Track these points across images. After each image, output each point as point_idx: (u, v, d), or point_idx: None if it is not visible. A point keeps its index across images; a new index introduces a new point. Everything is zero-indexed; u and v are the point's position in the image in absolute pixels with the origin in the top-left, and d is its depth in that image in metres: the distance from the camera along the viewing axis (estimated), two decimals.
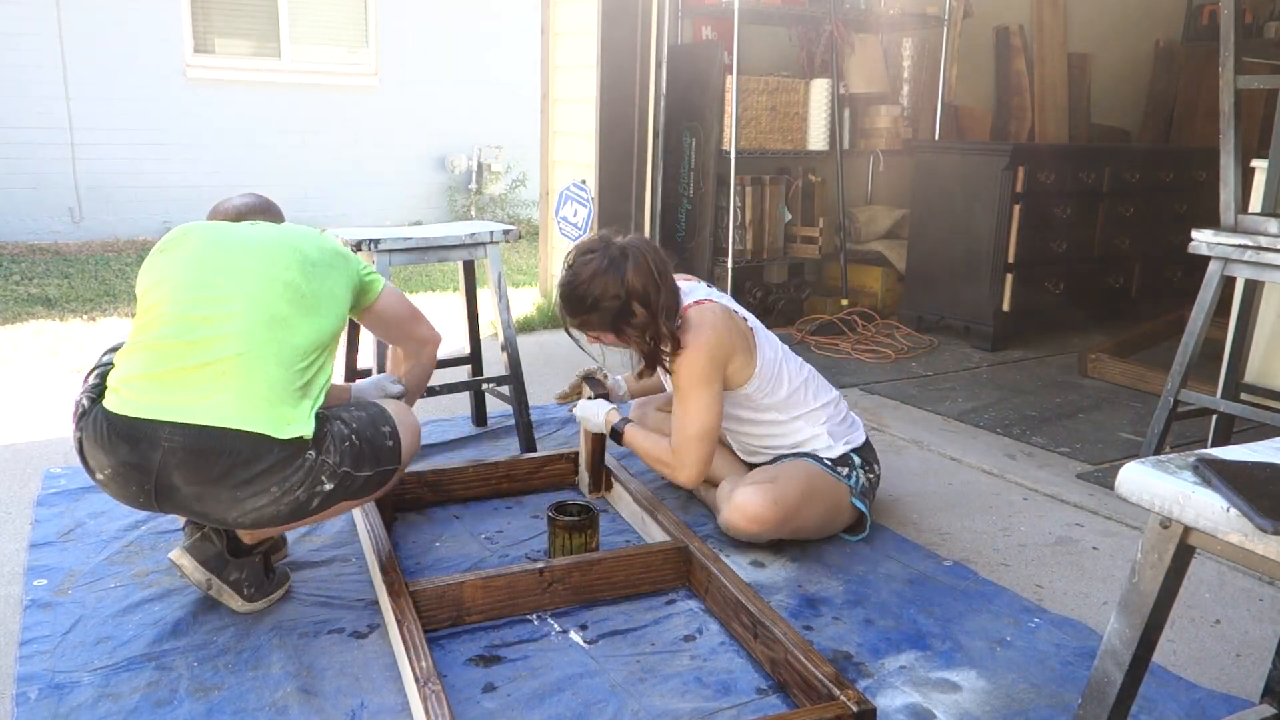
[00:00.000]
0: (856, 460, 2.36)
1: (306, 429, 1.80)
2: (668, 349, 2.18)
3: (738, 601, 1.90)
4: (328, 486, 1.85)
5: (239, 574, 1.97)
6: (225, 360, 1.76)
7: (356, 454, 1.89)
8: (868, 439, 2.43)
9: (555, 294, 2.30)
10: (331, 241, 2.02)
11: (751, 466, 2.47)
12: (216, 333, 1.78)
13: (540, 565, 2.01)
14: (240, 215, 2.17)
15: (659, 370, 2.26)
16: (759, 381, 2.28)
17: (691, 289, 2.31)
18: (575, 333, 2.26)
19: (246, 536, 1.98)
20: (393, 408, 2.05)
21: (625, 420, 2.36)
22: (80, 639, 1.87)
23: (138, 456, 1.73)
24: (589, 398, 2.49)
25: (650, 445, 2.29)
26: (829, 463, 2.32)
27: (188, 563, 1.94)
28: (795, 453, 2.37)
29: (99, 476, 1.80)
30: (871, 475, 2.39)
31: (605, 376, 2.56)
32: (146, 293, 1.86)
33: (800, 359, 2.44)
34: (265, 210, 2.22)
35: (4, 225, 6.98)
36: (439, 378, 3.20)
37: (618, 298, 2.12)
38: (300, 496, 1.82)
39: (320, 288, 1.90)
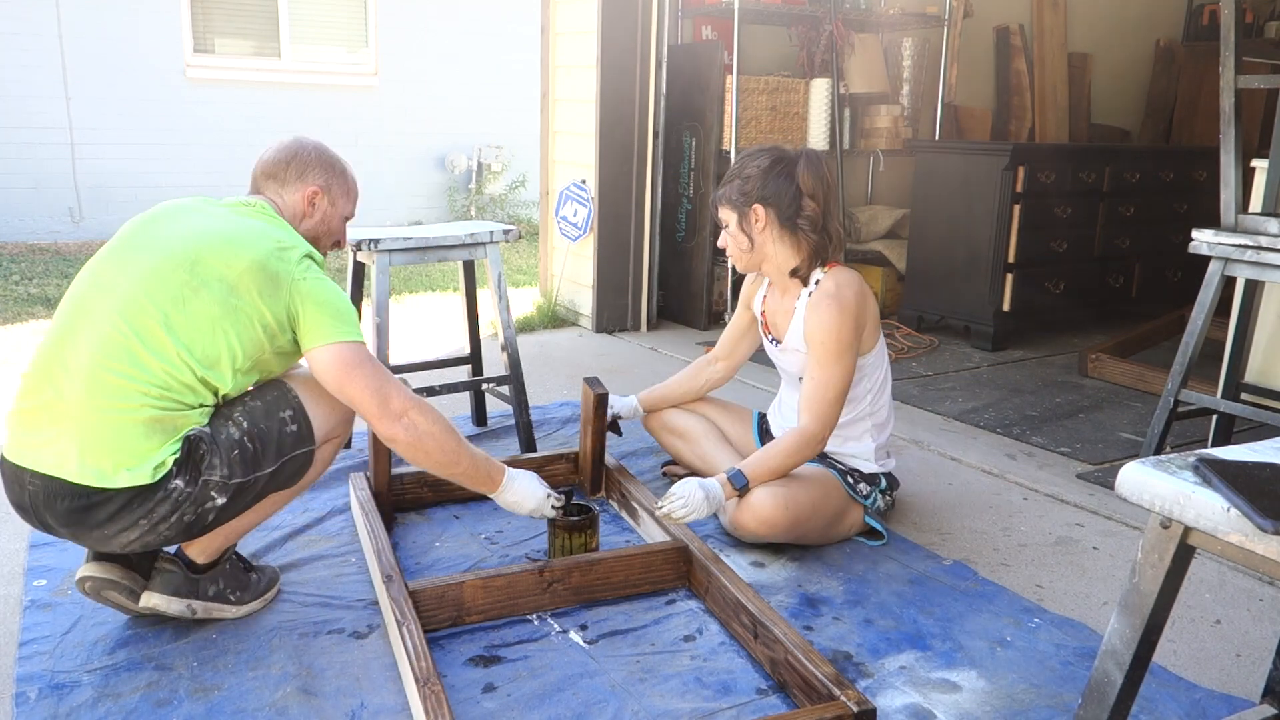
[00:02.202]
0: (883, 483, 2.39)
1: (144, 476, 1.66)
2: (819, 263, 2.28)
3: (738, 601, 1.90)
4: (219, 501, 1.76)
5: (216, 586, 1.92)
6: (65, 402, 1.67)
7: (250, 458, 1.77)
8: (891, 470, 2.46)
9: (722, 186, 2.31)
10: (273, 262, 1.77)
11: None
12: (65, 366, 1.69)
13: (540, 565, 2.00)
14: (263, 171, 2.00)
15: (762, 339, 2.40)
16: (872, 357, 2.33)
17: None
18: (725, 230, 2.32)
19: (197, 554, 1.90)
20: (298, 384, 1.89)
21: (736, 472, 2.19)
22: (80, 639, 1.87)
23: (15, 497, 1.73)
24: (673, 476, 2.63)
25: (778, 456, 2.19)
26: (850, 478, 2.34)
27: (160, 600, 1.86)
28: (819, 457, 2.38)
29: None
30: (889, 499, 2.43)
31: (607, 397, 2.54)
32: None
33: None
34: (291, 159, 1.99)
35: (4, 225, 6.98)
36: (439, 378, 3.21)
37: (787, 183, 2.22)
38: (186, 518, 1.74)
39: (205, 315, 1.71)
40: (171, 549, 1.91)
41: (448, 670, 1.80)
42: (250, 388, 1.87)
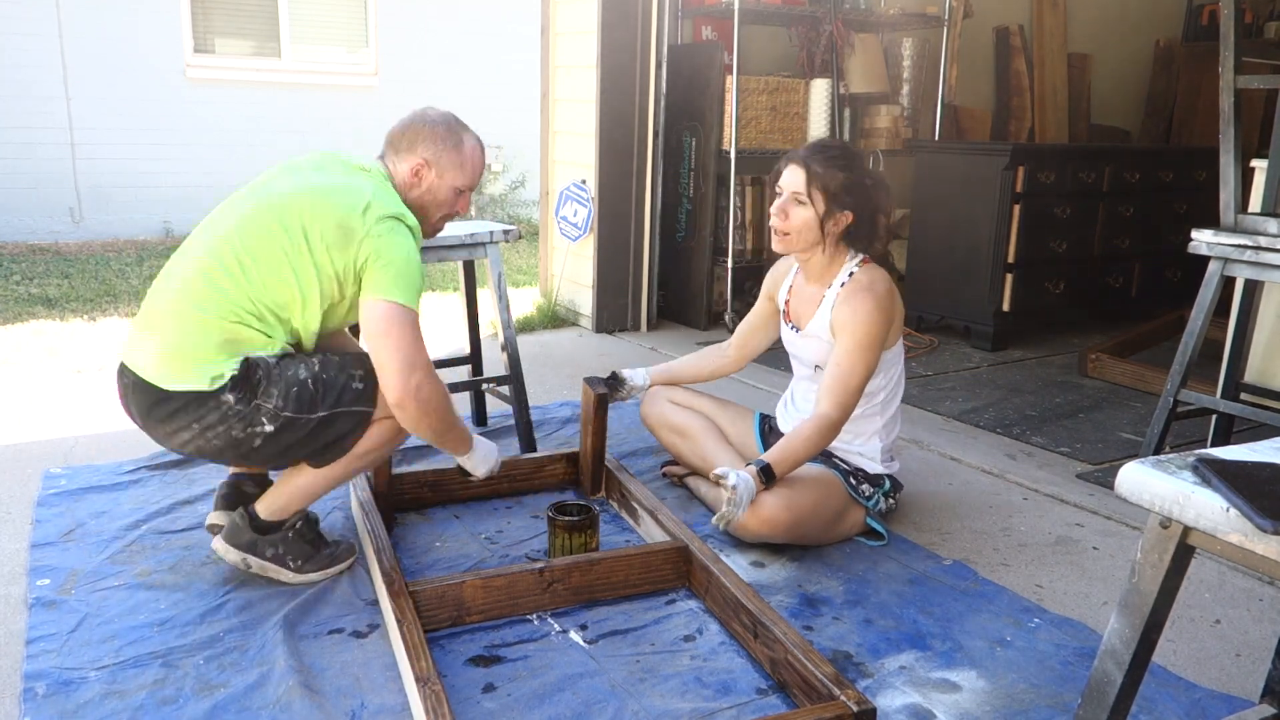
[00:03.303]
0: (886, 485, 2.40)
1: (201, 383, 1.87)
2: (855, 259, 2.33)
3: (738, 601, 1.90)
4: (267, 428, 1.90)
5: (275, 549, 2.05)
6: (158, 311, 1.93)
7: (308, 399, 1.91)
8: (895, 473, 2.46)
9: (810, 148, 2.33)
10: (353, 219, 1.91)
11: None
12: (168, 280, 1.95)
13: (540, 565, 2.01)
14: (387, 137, 2.12)
15: (785, 328, 2.44)
16: (890, 354, 2.34)
17: None
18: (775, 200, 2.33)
19: (262, 510, 2.05)
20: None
21: (764, 465, 2.15)
22: (86, 637, 1.88)
23: (119, 389, 1.98)
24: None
25: (801, 444, 2.18)
26: (853, 479, 2.34)
27: (221, 548, 2.06)
28: (823, 457, 2.38)
29: None
30: (892, 501, 2.43)
31: (620, 376, 2.59)
32: None
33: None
34: (406, 129, 2.10)
35: (4, 225, 6.98)
36: (440, 377, 3.19)
37: (870, 198, 2.29)
38: (234, 433, 1.90)
39: (277, 259, 1.91)
40: (247, 507, 2.08)
41: (448, 670, 1.81)
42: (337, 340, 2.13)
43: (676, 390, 2.70)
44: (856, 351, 2.21)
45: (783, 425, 2.56)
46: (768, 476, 2.15)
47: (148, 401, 1.91)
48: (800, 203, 2.28)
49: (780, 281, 2.55)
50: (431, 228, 2.17)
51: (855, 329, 2.21)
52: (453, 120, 2.13)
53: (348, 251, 1.91)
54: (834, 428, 2.21)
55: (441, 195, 2.11)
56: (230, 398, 1.88)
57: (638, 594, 2.08)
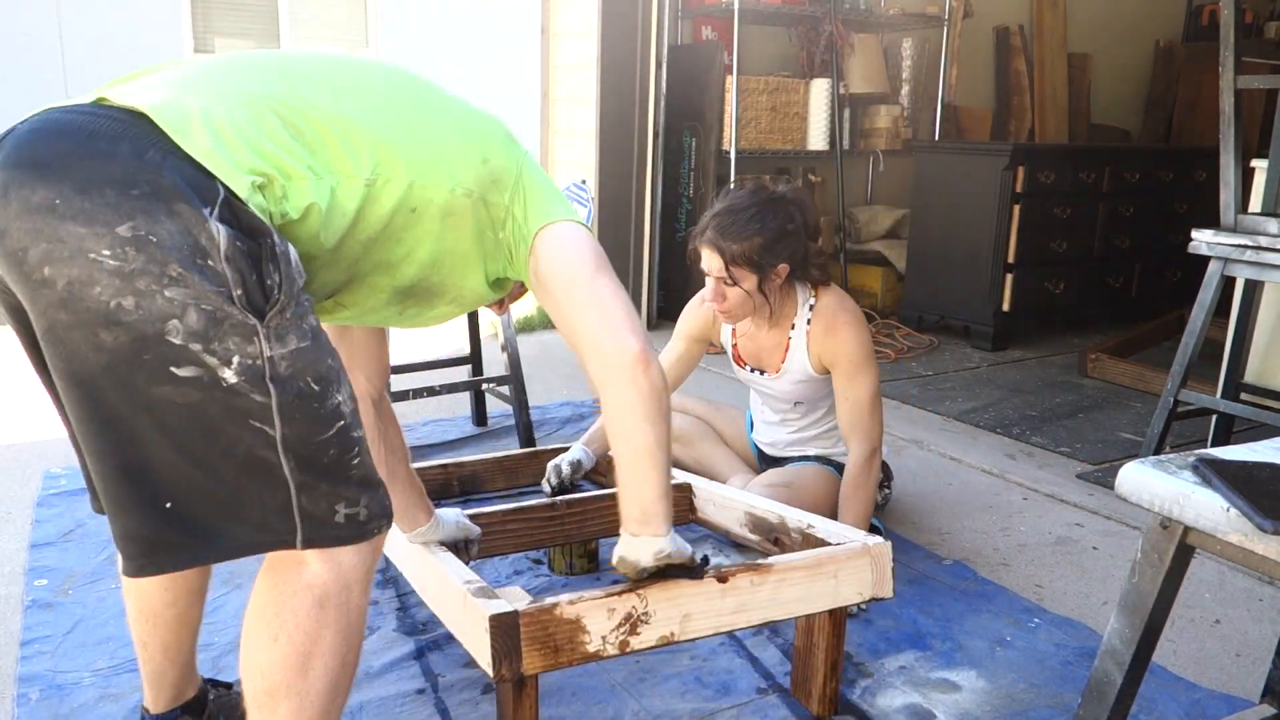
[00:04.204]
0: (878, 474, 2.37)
1: (234, 169, 1.05)
2: (811, 298, 2.21)
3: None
4: (238, 379, 1.01)
5: None
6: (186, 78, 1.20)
7: (324, 390, 1.09)
8: (884, 459, 2.44)
9: (705, 224, 2.12)
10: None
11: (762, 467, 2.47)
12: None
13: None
14: None
15: (783, 358, 2.26)
16: None
17: None
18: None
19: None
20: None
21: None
22: (82, 639, 1.87)
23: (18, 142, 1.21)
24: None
25: (860, 498, 2.11)
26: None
27: None
28: (815, 455, 2.38)
29: None
30: (887, 490, 2.43)
31: (574, 465, 2.32)
32: None
33: None
34: None
35: None
36: (440, 377, 3.20)
37: (798, 233, 2.10)
38: (169, 321, 0.98)
39: None
40: None
41: (447, 670, 1.81)
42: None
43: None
44: (857, 375, 2.16)
45: (763, 444, 2.50)
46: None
47: (77, 150, 1.00)
48: (729, 284, 2.11)
49: (709, 324, 2.38)
50: None
51: (851, 355, 2.16)
52: None
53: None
54: (874, 457, 2.16)
55: None
56: (221, 234, 1.00)
57: None
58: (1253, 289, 2.73)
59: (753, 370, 2.36)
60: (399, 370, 2.84)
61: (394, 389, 2.69)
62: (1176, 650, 1.94)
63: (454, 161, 1.25)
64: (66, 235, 0.96)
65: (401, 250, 1.23)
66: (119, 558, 1.08)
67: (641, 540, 1.38)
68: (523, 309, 4.91)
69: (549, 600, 1.40)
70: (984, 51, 5.58)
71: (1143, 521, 1.20)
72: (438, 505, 1.83)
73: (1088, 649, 1.91)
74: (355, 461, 1.12)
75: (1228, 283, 2.62)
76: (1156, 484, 1.13)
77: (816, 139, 4.65)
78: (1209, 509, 1.07)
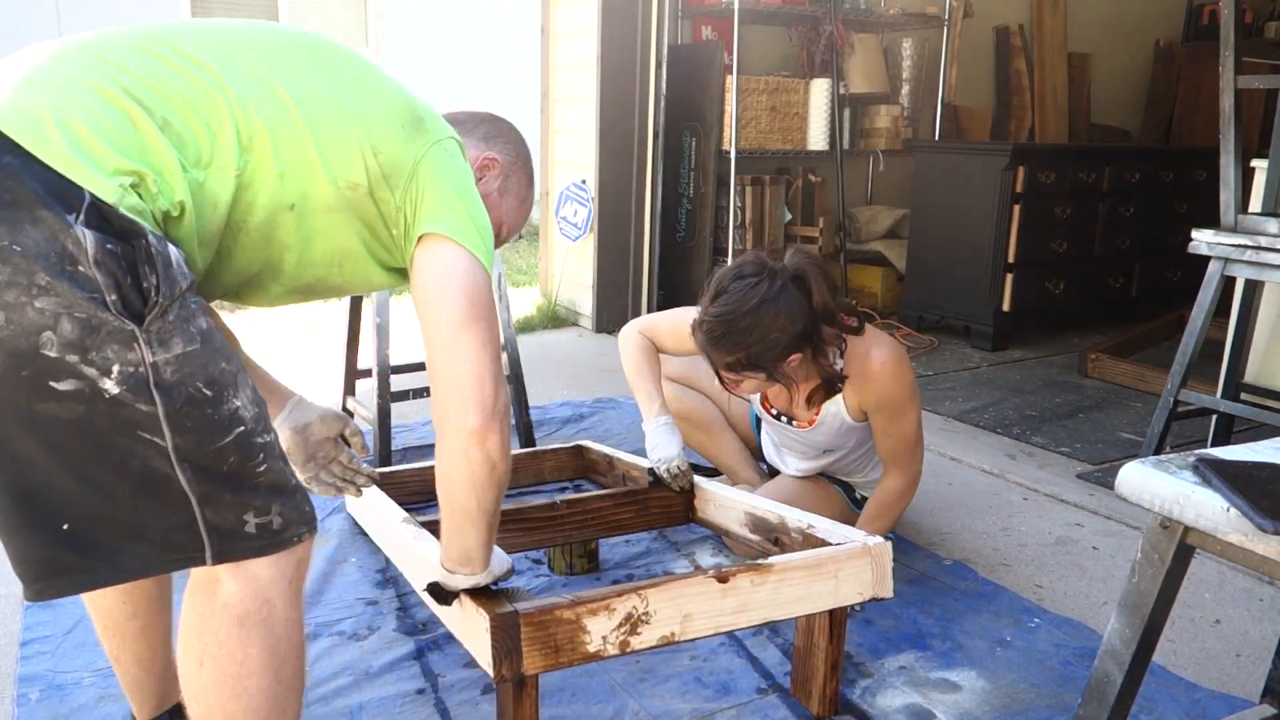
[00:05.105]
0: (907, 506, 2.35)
1: (93, 172, 0.98)
2: (840, 366, 2.05)
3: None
4: (118, 388, 0.97)
5: None
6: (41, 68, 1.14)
7: (222, 392, 1.04)
8: None
9: (700, 319, 1.93)
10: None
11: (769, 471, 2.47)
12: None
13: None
14: (472, 116, 1.62)
15: (803, 403, 2.13)
16: None
17: None
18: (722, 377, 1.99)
19: None
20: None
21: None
22: (82, 639, 1.87)
23: None
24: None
25: (883, 522, 2.10)
26: (859, 495, 2.34)
27: None
28: (827, 475, 2.36)
29: None
30: None
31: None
32: None
33: None
34: (503, 125, 1.62)
35: None
36: None
37: (803, 328, 1.90)
38: (41, 322, 0.93)
39: None
40: None
41: (448, 670, 1.81)
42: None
43: (670, 366, 2.39)
44: (900, 417, 2.07)
45: (771, 460, 2.45)
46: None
47: None
48: (739, 381, 2.00)
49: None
50: None
51: (895, 399, 2.05)
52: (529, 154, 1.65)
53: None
54: (912, 488, 2.13)
55: (491, 210, 1.49)
56: (88, 238, 0.94)
57: None
58: (1253, 289, 2.73)
59: (779, 416, 2.24)
60: (399, 370, 2.84)
61: (394, 389, 2.70)
62: (1176, 650, 1.94)
63: (332, 151, 1.16)
64: None
65: (291, 255, 1.18)
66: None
67: (458, 577, 1.41)
68: (522, 309, 4.91)
69: (549, 600, 1.41)
70: (984, 51, 5.58)
71: (1143, 521, 1.20)
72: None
73: (1088, 649, 1.91)
74: (261, 468, 1.06)
75: (1228, 283, 2.62)
76: (1157, 484, 1.13)
77: (816, 139, 4.65)
78: (1209, 509, 1.07)
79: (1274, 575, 1.22)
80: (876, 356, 2.05)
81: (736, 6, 4.23)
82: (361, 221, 1.22)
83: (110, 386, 0.96)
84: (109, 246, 0.95)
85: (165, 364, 0.99)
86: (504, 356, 2.88)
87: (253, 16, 7.62)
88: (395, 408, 2.77)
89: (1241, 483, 1.07)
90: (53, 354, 0.93)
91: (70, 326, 0.93)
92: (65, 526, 0.99)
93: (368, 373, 2.79)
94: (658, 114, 4.46)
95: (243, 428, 1.05)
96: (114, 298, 0.95)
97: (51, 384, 0.94)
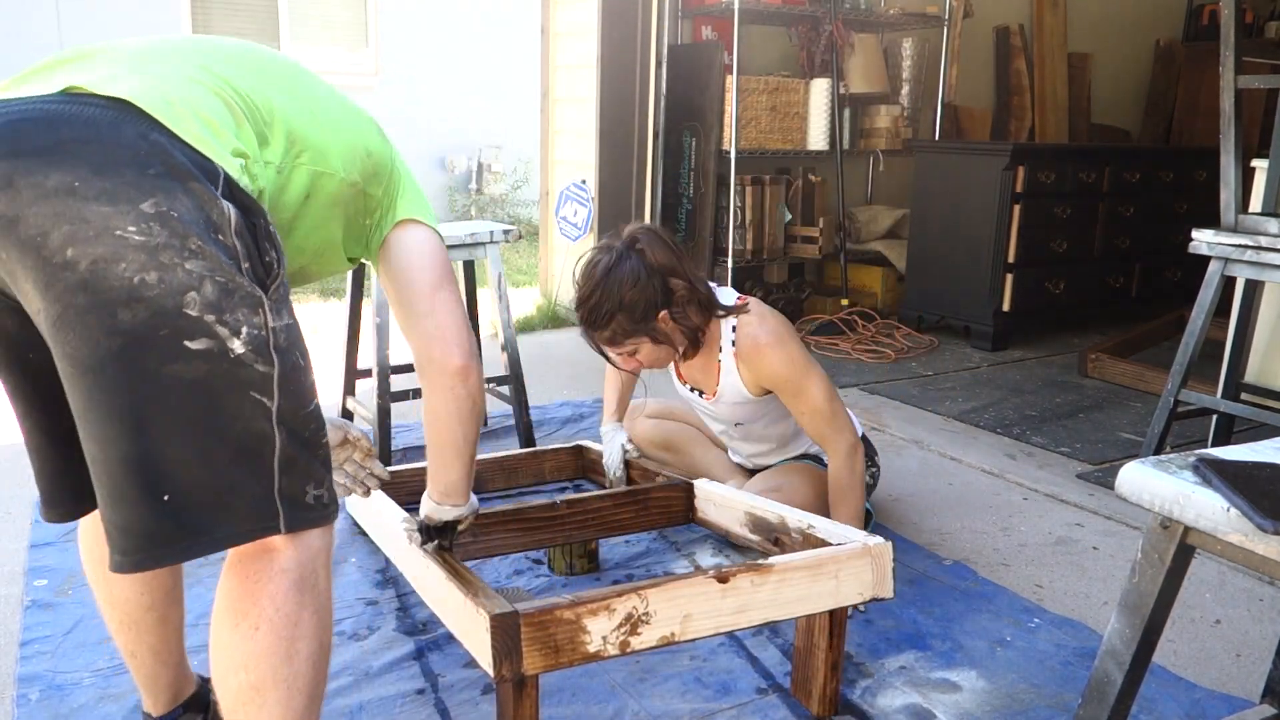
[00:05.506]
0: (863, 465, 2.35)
1: (217, 146, 1.09)
2: (706, 329, 2.11)
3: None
4: (245, 349, 1.04)
5: None
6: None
7: (299, 358, 1.12)
8: (864, 434, 2.42)
9: (580, 328, 2.11)
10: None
11: (750, 470, 2.47)
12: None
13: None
14: None
15: (700, 389, 2.20)
16: None
17: (720, 289, 2.21)
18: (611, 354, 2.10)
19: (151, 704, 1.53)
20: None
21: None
22: (82, 640, 1.87)
23: None
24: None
25: (849, 496, 2.10)
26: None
27: None
28: (796, 455, 2.37)
29: None
30: (874, 469, 2.41)
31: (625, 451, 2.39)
32: None
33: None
34: None
35: None
36: None
37: (649, 283, 1.98)
38: (202, 285, 1.01)
39: None
40: None
41: (448, 670, 1.80)
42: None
43: (649, 407, 2.59)
44: (803, 389, 2.10)
45: (732, 453, 2.50)
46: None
47: (80, 136, 1.01)
48: (628, 354, 2.09)
49: (631, 375, 2.40)
50: None
51: (787, 375, 2.10)
52: None
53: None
54: (854, 450, 2.11)
55: None
56: (231, 210, 1.05)
57: None
58: (1253, 289, 2.73)
59: (692, 390, 2.32)
60: (399, 370, 2.84)
61: (394, 389, 2.70)
62: (1176, 650, 1.94)
63: (347, 152, 1.31)
64: (91, 215, 0.98)
65: (295, 240, 1.29)
66: (106, 556, 1.06)
67: (444, 507, 1.64)
68: (522, 309, 4.92)
69: (549, 600, 1.41)
70: (984, 51, 5.58)
71: (1143, 521, 1.20)
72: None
73: (1088, 649, 1.91)
74: (323, 440, 1.14)
75: (1228, 283, 2.62)
76: (1157, 484, 1.13)
77: (816, 139, 4.65)
78: (1209, 509, 1.07)
79: (1274, 575, 1.22)
80: (757, 335, 2.12)
81: (736, 6, 4.23)
82: (346, 215, 1.35)
83: (237, 346, 1.03)
84: (244, 220, 1.07)
85: (279, 330, 1.08)
86: (504, 356, 2.88)
87: (252, 18, 7.64)
88: (395, 408, 2.77)
89: (1242, 483, 1.07)
90: (193, 313, 1.00)
91: (212, 289, 1.01)
92: (166, 498, 1.03)
93: (367, 373, 2.79)
94: (658, 114, 4.47)
95: (317, 400, 1.15)
96: (247, 265, 1.06)
97: (186, 343, 1.00)
